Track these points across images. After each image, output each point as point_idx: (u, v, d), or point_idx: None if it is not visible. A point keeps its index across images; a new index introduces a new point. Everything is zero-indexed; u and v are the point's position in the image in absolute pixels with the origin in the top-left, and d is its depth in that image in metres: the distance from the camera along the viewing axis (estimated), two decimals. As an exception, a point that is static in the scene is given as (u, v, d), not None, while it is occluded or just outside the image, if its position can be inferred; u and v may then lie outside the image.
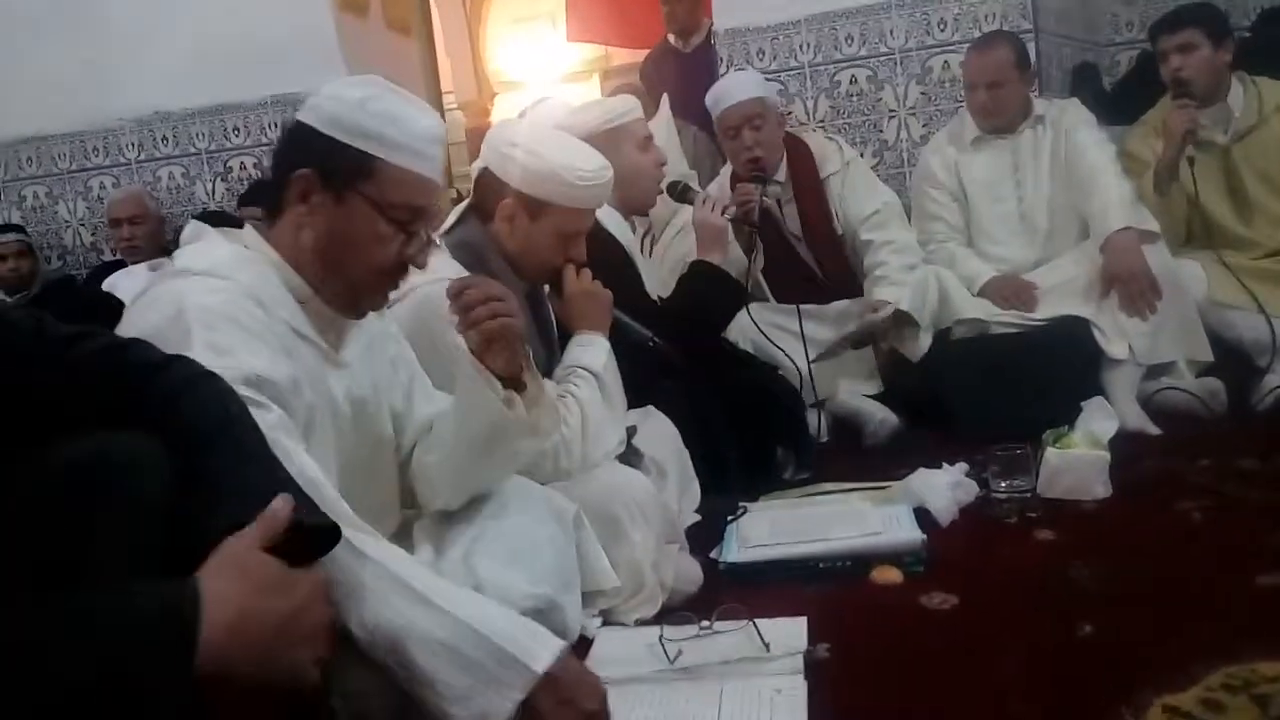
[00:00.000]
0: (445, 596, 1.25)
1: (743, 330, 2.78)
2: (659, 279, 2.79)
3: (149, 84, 3.93)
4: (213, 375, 1.20)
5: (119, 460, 1.05)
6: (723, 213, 2.55)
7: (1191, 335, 2.70)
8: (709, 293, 2.44)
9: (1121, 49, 3.86)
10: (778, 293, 3.04)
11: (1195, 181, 2.80)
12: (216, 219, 3.10)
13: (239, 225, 2.45)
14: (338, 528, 1.15)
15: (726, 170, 3.16)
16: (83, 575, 0.98)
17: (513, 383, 1.51)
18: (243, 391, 1.24)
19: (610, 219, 2.43)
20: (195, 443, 1.13)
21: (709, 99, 3.06)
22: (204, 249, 1.40)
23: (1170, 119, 2.80)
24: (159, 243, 3.81)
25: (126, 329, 1.30)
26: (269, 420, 1.25)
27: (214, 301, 1.29)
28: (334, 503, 1.26)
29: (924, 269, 2.92)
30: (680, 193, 2.66)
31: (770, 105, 3.03)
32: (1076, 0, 3.73)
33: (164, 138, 4.04)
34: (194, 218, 3.29)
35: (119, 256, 3.92)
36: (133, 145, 4.07)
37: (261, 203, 1.45)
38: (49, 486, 0.99)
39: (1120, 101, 3.46)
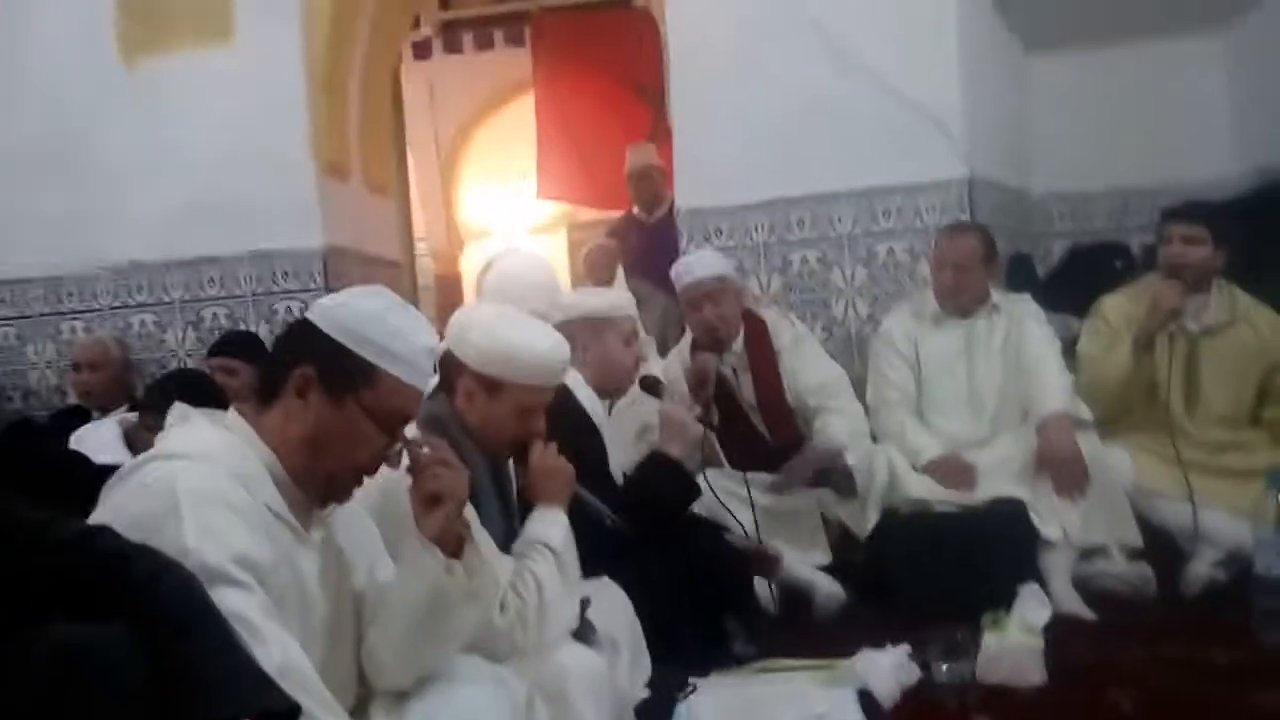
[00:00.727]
0: None
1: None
2: (619, 442, 2.90)
3: (130, 233, 4.04)
4: (178, 565, 1.26)
5: (101, 651, 1.10)
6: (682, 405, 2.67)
7: (1121, 520, 2.82)
8: (664, 484, 2.50)
9: (1054, 239, 4.15)
10: (731, 458, 3.15)
11: (1171, 359, 2.94)
12: (188, 378, 3.17)
13: (212, 385, 2.51)
14: (297, 708, 1.19)
15: (687, 339, 3.33)
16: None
17: (453, 552, 1.56)
18: (232, 572, 1.30)
19: (582, 391, 2.53)
20: (171, 631, 1.19)
21: (674, 272, 3.23)
22: (190, 433, 1.47)
23: (1161, 293, 2.93)
24: (119, 390, 3.82)
25: (114, 512, 1.35)
26: (254, 601, 1.31)
27: (202, 485, 1.35)
28: (314, 686, 1.30)
29: (877, 449, 3.03)
30: (650, 386, 2.75)
31: (729, 282, 3.21)
32: (1012, 194, 4.03)
33: (139, 286, 4.12)
34: (165, 376, 3.36)
35: (78, 401, 3.93)
36: (108, 292, 4.15)
37: (257, 387, 1.53)
38: (35, 680, 1.04)
39: (1053, 290, 3.70)
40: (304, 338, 1.49)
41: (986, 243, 3.14)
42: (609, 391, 2.65)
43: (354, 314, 1.48)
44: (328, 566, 1.54)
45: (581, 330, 2.55)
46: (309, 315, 1.50)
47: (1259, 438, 3.01)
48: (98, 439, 2.88)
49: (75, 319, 4.19)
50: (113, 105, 4.06)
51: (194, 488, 1.35)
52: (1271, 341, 3.01)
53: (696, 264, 3.20)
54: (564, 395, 2.45)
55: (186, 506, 1.32)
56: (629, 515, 2.24)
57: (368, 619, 1.63)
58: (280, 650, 1.29)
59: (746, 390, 3.20)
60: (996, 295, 3.18)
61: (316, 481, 1.49)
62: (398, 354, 1.47)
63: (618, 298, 2.68)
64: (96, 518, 1.36)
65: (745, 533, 2.77)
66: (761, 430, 3.20)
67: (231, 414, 1.51)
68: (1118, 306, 3.13)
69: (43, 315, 4.22)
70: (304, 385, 1.45)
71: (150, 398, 2.96)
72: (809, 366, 3.20)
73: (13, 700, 1.05)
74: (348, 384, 1.45)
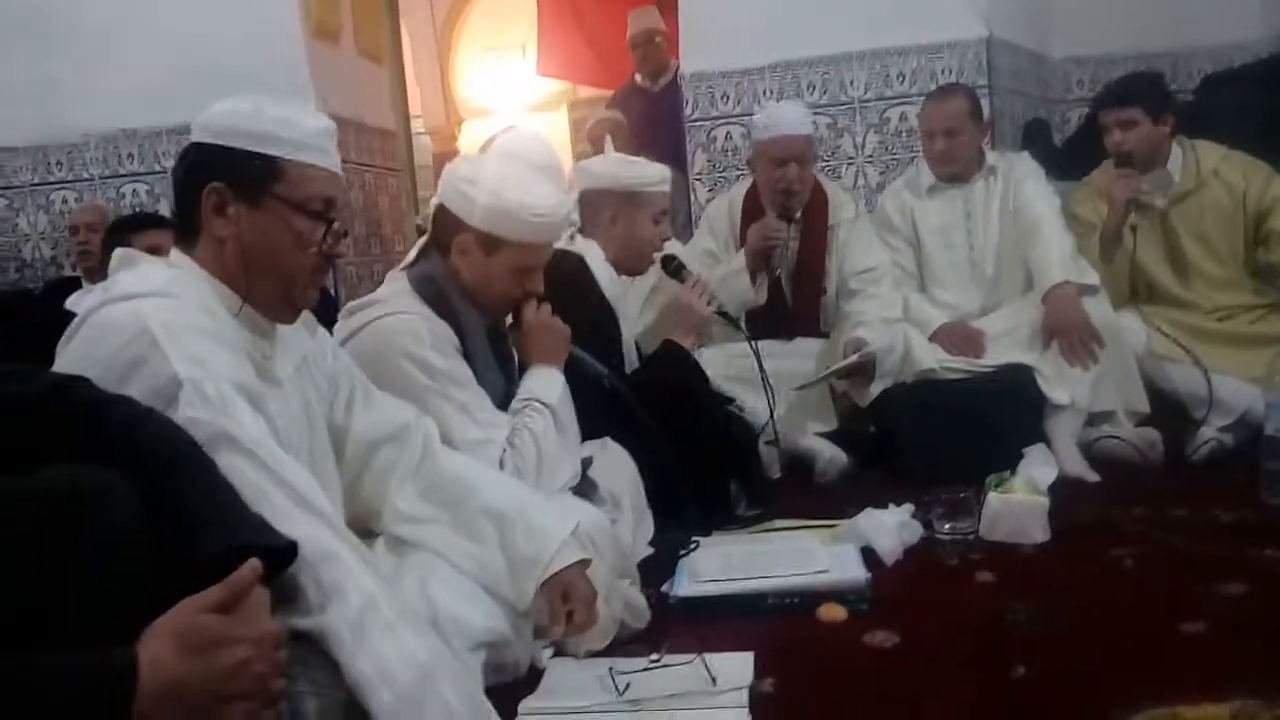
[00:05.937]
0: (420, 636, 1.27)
1: (712, 366, 2.82)
2: (635, 322, 2.82)
3: (116, 101, 3.91)
4: (157, 411, 1.22)
5: (93, 490, 1.07)
6: (704, 297, 2.55)
7: (1130, 386, 2.79)
8: (673, 377, 2.45)
9: (1072, 106, 4.01)
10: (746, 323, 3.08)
11: (1136, 248, 2.88)
12: (141, 221, 3.06)
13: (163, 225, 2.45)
14: (294, 546, 1.18)
15: (740, 186, 3.21)
16: (62, 606, 1.00)
17: None
18: (238, 398, 1.27)
19: (598, 265, 2.44)
20: (161, 472, 1.16)
21: (758, 119, 3.06)
22: (142, 274, 1.40)
23: (1114, 188, 2.87)
24: None
25: (78, 358, 1.30)
26: (261, 426, 1.28)
27: (173, 317, 1.30)
28: (332, 518, 1.28)
29: (899, 327, 2.95)
30: (674, 270, 2.62)
31: (814, 145, 3.09)
32: (1030, 58, 3.87)
33: (129, 155, 4.02)
34: (115, 221, 3.25)
35: (77, 272, 3.88)
36: (97, 160, 4.05)
37: (175, 228, 1.49)
38: (27, 518, 1.01)
39: (1070, 157, 3.59)
40: (199, 159, 1.44)
41: (973, 101, 3.05)
42: (627, 268, 2.54)
43: (236, 116, 1.43)
44: (294, 402, 1.50)
45: (610, 200, 2.45)
46: (194, 136, 1.45)
47: (1271, 302, 2.94)
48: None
49: (66, 188, 4.10)
50: (97, -33, 3.88)
51: (166, 320, 1.29)
52: (1249, 190, 2.91)
53: (789, 118, 3.01)
54: (578, 267, 2.39)
55: (165, 338, 1.27)
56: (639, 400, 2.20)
57: (350, 451, 1.62)
58: (303, 479, 1.27)
59: (789, 257, 3.09)
60: (991, 156, 3.10)
61: (272, 295, 1.45)
62: (292, 140, 1.43)
63: (656, 171, 2.51)
64: None
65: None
66: (788, 299, 3.12)
67: (175, 254, 1.45)
68: (1085, 203, 3.05)
69: (32, 185, 4.13)
70: (220, 201, 1.41)
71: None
72: (860, 247, 3.09)
73: (9, 543, 1.02)
74: (258, 183, 1.41)
